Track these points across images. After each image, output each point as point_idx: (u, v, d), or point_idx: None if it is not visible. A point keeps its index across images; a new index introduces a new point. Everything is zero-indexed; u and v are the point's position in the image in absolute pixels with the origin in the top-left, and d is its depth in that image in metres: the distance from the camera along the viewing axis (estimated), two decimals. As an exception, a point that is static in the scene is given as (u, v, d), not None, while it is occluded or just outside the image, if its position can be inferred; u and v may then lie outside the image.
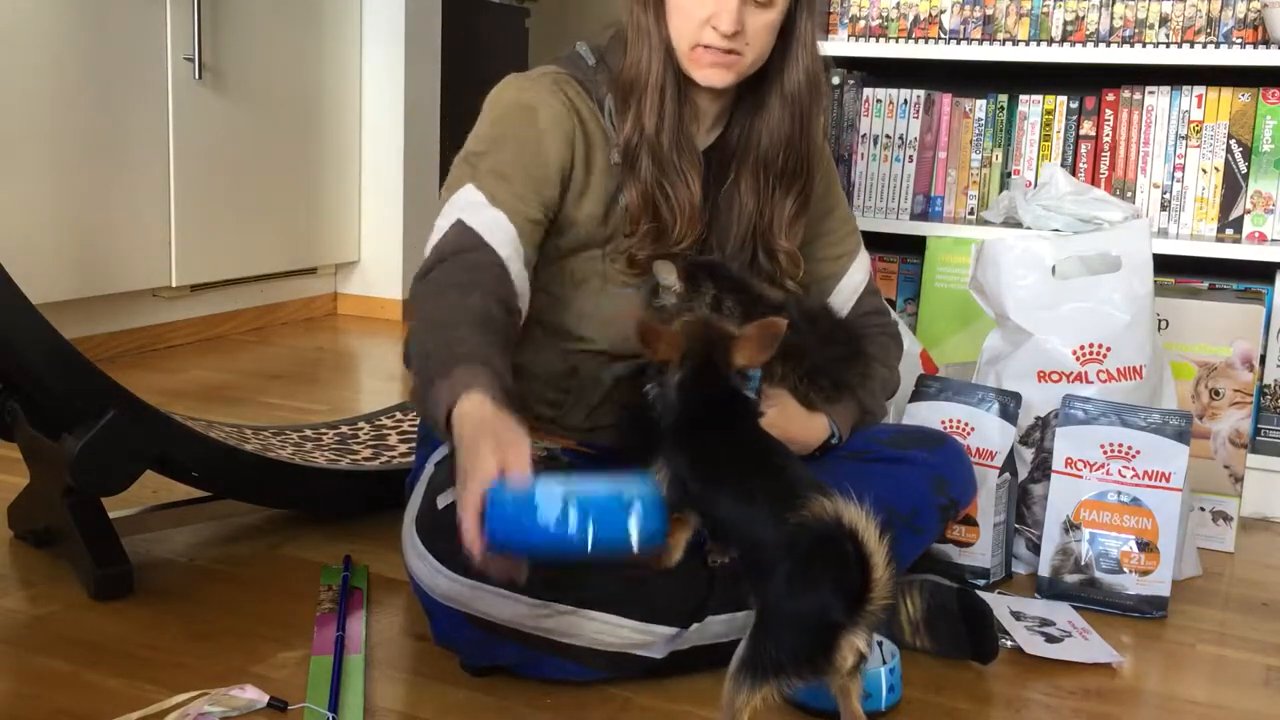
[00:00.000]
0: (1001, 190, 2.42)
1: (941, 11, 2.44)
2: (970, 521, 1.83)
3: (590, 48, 1.60)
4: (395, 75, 3.82)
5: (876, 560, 1.18)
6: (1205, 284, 2.27)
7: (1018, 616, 1.71)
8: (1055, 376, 1.91)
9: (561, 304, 1.57)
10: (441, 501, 1.40)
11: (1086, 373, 1.89)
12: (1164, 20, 2.30)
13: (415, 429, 2.19)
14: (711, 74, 1.51)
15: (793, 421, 1.56)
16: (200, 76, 3.21)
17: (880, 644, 1.46)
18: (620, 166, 1.54)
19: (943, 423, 1.87)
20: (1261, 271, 2.23)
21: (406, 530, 1.43)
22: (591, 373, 1.59)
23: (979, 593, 1.63)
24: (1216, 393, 2.08)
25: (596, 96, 1.55)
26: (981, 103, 2.43)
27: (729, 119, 1.60)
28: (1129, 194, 2.33)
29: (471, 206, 1.46)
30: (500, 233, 1.44)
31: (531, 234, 1.49)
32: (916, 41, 2.46)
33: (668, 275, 1.52)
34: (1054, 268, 1.93)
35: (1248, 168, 2.26)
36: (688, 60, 1.51)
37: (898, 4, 2.46)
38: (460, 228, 1.45)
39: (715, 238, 1.60)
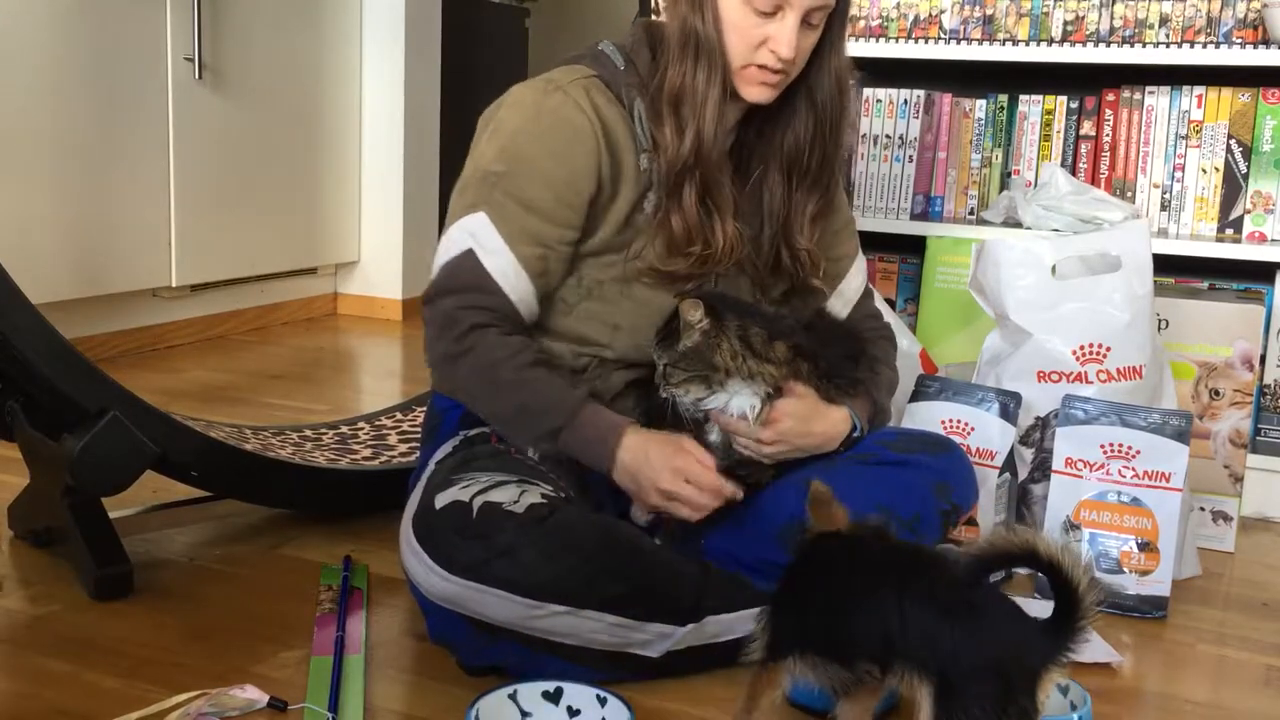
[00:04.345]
0: (1001, 190, 2.42)
1: (941, 11, 2.44)
2: (971, 522, 1.83)
3: (616, 47, 1.57)
4: (395, 75, 3.82)
5: (1083, 589, 1.09)
6: (1205, 284, 2.27)
7: (1018, 616, 1.70)
8: (1055, 376, 1.91)
9: (571, 310, 1.57)
10: (439, 501, 1.40)
11: (1086, 373, 1.89)
12: (1164, 20, 2.30)
13: (415, 429, 2.19)
14: (760, 92, 1.51)
15: (815, 413, 1.55)
16: (200, 76, 3.20)
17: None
18: (649, 173, 1.52)
19: (943, 423, 1.88)
20: (1261, 271, 2.23)
21: (403, 530, 1.43)
22: (597, 378, 1.60)
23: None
24: (1216, 393, 2.08)
25: (626, 100, 1.52)
26: (981, 103, 2.43)
27: (743, 117, 1.59)
28: (1129, 194, 2.33)
29: (486, 243, 1.48)
30: (514, 277, 1.49)
31: (550, 266, 1.52)
32: (916, 41, 2.45)
33: (694, 314, 1.50)
34: (1054, 268, 1.93)
35: (1248, 168, 2.26)
36: (736, 76, 1.50)
37: (898, 4, 2.46)
38: (473, 263, 1.48)
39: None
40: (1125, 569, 1.78)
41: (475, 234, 1.49)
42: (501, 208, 1.49)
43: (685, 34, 1.49)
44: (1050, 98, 2.39)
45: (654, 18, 1.57)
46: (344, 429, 2.22)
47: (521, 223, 1.49)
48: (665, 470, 1.46)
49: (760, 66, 1.49)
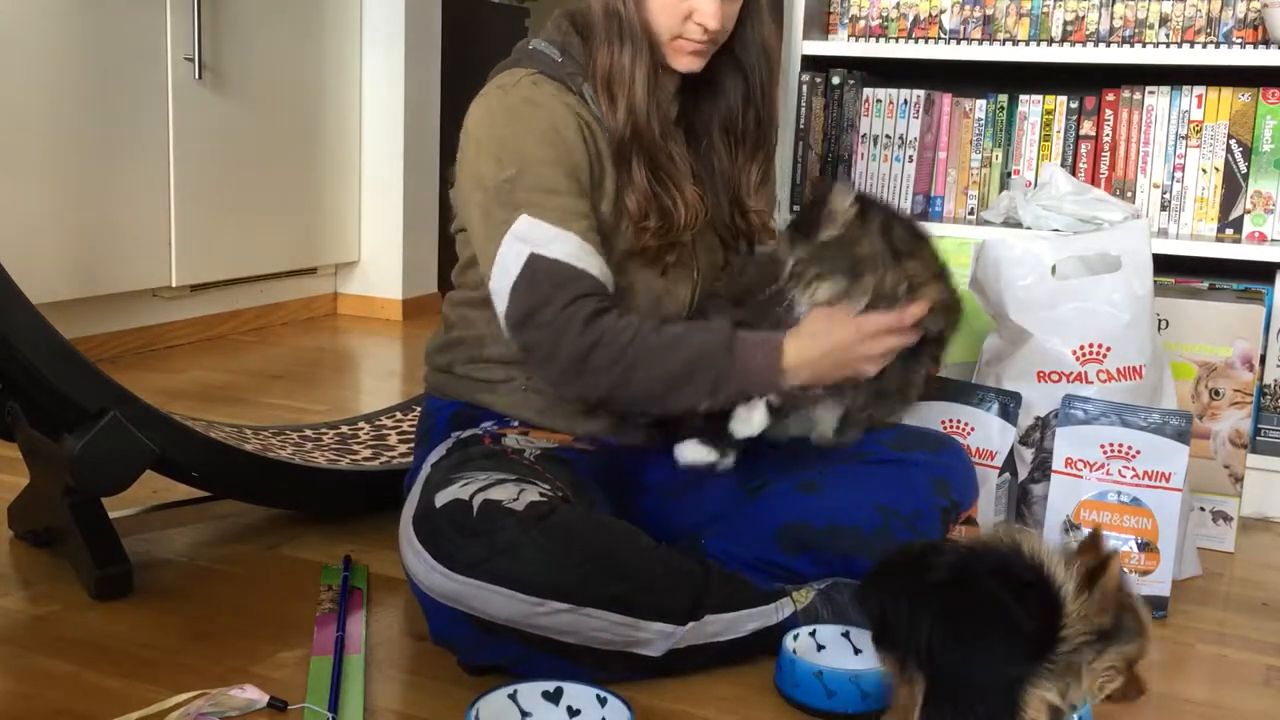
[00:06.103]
0: (1001, 190, 2.42)
1: (941, 11, 2.44)
2: (971, 522, 1.82)
3: (546, 42, 1.60)
4: (395, 75, 3.82)
5: (1067, 595, 1.04)
6: (1205, 284, 2.27)
7: (1018, 616, 1.70)
8: (1055, 376, 1.90)
9: None
10: (439, 500, 1.40)
11: (1086, 373, 1.89)
12: (1164, 20, 2.30)
13: (415, 429, 2.19)
14: (690, 61, 1.57)
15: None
16: (200, 76, 3.21)
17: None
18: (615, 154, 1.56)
19: (943, 423, 1.88)
20: (1261, 271, 2.23)
21: (404, 529, 1.43)
22: None
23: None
24: (1216, 393, 2.07)
25: (575, 89, 1.56)
26: (981, 103, 2.43)
27: (683, 87, 1.64)
28: (1129, 194, 2.33)
29: (542, 237, 1.47)
30: (584, 254, 1.48)
31: (599, 237, 1.53)
32: (916, 41, 2.45)
33: (843, 201, 1.47)
34: (1054, 268, 1.93)
35: (1248, 168, 2.26)
36: (666, 49, 1.56)
37: (898, 4, 2.46)
38: (543, 262, 1.46)
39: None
40: (1125, 569, 1.78)
41: (525, 237, 1.47)
42: (532, 203, 1.49)
43: (608, 15, 1.54)
44: (1050, 98, 2.39)
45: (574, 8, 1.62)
46: (344, 429, 2.22)
47: (560, 205, 1.49)
48: (862, 342, 1.50)
49: (689, 38, 1.54)
